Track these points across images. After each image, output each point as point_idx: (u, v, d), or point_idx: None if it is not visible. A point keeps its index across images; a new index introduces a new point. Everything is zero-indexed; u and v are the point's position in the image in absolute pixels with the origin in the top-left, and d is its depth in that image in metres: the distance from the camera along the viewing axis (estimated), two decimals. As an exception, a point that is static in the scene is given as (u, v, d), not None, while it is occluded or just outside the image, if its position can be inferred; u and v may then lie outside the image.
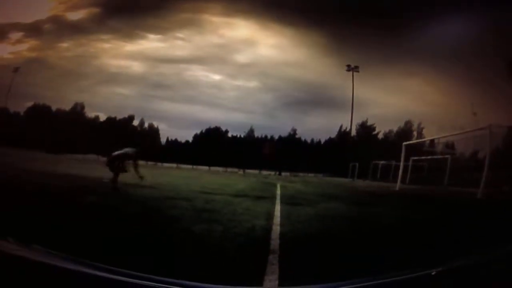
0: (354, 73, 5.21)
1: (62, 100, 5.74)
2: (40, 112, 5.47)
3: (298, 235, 3.33)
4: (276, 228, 3.51)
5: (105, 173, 5.17)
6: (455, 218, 3.87)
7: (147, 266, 2.22)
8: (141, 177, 4.90)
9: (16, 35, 5.94)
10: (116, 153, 4.88)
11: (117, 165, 4.89)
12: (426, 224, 3.65)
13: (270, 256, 2.67)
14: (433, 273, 1.39)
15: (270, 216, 4.04)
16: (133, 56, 6.14)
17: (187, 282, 1.50)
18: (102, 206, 3.79)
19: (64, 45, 6.18)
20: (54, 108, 5.80)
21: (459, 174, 5.02)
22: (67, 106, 5.93)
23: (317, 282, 1.81)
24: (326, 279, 1.92)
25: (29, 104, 5.56)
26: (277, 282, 2.26)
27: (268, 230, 3.42)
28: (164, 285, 1.38)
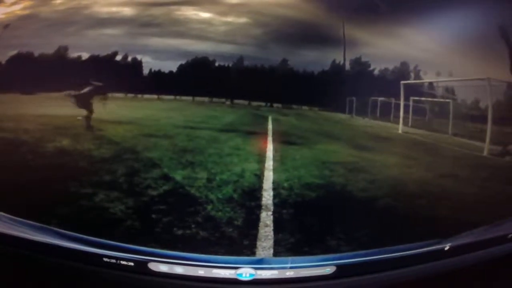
0: (345, 16, 4.60)
1: (46, 45, 4.99)
2: (22, 58, 4.72)
3: (295, 186, 2.75)
4: (269, 175, 2.96)
5: (80, 111, 4.47)
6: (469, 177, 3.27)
7: (117, 226, 1.87)
8: None
9: None
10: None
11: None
12: (449, 186, 2.97)
13: (263, 213, 2.16)
14: (446, 248, 1.34)
15: (262, 157, 3.55)
16: (124, 3, 5.22)
17: (159, 251, 1.36)
18: (72, 151, 3.19)
19: (58, 1, 5.16)
20: (37, 54, 5.04)
21: (463, 123, 4.78)
22: (50, 51, 5.16)
23: (319, 253, 1.68)
24: (329, 249, 1.77)
25: (13, 52, 4.76)
26: (272, 251, 1.82)
27: (260, 177, 2.84)
28: (138, 256, 1.29)
